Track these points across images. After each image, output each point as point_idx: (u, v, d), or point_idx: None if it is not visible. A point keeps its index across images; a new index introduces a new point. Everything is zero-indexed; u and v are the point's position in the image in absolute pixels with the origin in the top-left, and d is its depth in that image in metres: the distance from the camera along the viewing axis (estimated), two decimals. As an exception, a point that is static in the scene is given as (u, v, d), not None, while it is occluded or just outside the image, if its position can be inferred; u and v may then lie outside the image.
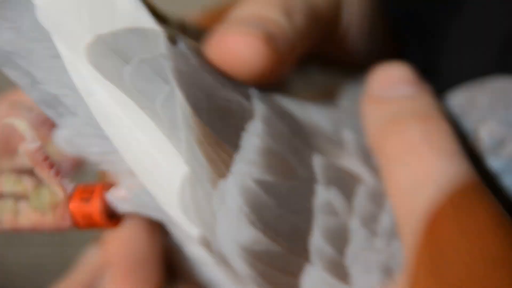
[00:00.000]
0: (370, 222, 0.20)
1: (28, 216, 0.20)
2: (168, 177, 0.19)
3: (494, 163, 0.23)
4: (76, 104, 0.19)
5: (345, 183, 0.20)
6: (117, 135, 0.19)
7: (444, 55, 0.30)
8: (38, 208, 0.20)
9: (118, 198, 0.20)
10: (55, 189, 0.20)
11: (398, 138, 0.21)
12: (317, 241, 0.19)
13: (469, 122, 0.23)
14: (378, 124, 0.22)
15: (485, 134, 0.23)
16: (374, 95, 0.22)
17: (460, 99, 0.24)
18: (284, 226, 0.19)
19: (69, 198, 0.20)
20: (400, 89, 0.22)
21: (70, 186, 0.20)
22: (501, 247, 0.17)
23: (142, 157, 0.19)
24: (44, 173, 0.20)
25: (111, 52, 0.18)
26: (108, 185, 0.20)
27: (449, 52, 0.30)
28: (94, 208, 0.20)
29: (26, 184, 0.21)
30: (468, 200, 0.18)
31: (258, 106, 0.20)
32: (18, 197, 0.21)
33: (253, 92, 0.21)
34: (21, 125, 0.20)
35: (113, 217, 0.21)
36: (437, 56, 0.30)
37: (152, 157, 0.19)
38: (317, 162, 0.20)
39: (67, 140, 0.20)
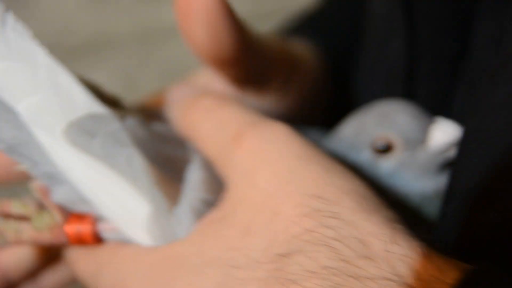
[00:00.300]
0: None
1: (28, 234, 0.27)
2: (137, 217, 0.25)
3: (385, 166, 0.29)
4: (63, 178, 0.26)
5: None
6: (93, 193, 0.26)
7: (352, 85, 0.37)
8: (38, 228, 0.27)
9: (105, 229, 0.27)
10: (55, 214, 0.27)
11: (194, 112, 0.28)
12: None
13: (362, 139, 0.30)
14: (178, 115, 0.29)
15: (377, 145, 0.29)
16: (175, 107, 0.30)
17: (354, 122, 0.31)
18: None
19: (65, 221, 0.27)
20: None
21: (66, 213, 0.27)
22: None
23: (115, 206, 0.26)
24: (48, 203, 0.27)
25: (81, 131, 0.26)
26: (95, 217, 0.27)
27: (355, 83, 0.37)
28: (86, 231, 0.27)
29: (31, 208, 0.28)
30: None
31: (193, 154, 0.28)
32: (20, 219, 0.28)
33: (189, 147, 0.28)
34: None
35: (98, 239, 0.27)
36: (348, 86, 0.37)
37: (123, 204, 0.26)
38: None
39: (61, 202, 0.27)
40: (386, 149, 0.29)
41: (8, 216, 0.28)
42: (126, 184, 0.25)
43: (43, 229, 0.27)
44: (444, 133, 0.28)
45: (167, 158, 0.27)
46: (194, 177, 0.27)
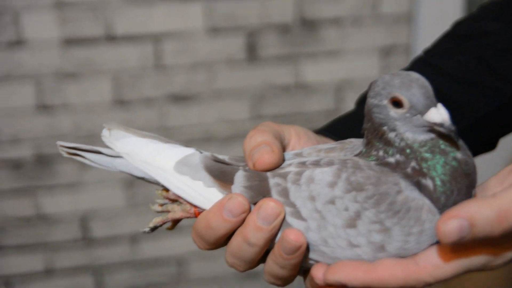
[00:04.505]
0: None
1: (179, 211, 0.53)
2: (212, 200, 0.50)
3: (392, 113, 0.47)
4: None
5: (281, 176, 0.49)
6: (184, 192, 0.51)
7: None
8: (183, 209, 0.53)
9: None
10: (184, 203, 0.53)
11: None
12: (274, 196, 0.49)
13: (385, 92, 0.47)
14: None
15: (393, 99, 0.47)
16: None
17: (386, 78, 0.48)
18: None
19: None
20: None
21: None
22: None
23: (201, 198, 0.51)
24: (180, 199, 0.53)
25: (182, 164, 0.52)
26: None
27: None
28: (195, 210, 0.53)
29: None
30: None
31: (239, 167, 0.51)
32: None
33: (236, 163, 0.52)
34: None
35: None
36: None
37: (206, 197, 0.50)
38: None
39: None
40: (397, 105, 0.45)
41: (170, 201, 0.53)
42: (204, 188, 0.51)
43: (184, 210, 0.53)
44: (439, 115, 0.44)
45: (225, 170, 0.51)
46: (239, 177, 0.50)
